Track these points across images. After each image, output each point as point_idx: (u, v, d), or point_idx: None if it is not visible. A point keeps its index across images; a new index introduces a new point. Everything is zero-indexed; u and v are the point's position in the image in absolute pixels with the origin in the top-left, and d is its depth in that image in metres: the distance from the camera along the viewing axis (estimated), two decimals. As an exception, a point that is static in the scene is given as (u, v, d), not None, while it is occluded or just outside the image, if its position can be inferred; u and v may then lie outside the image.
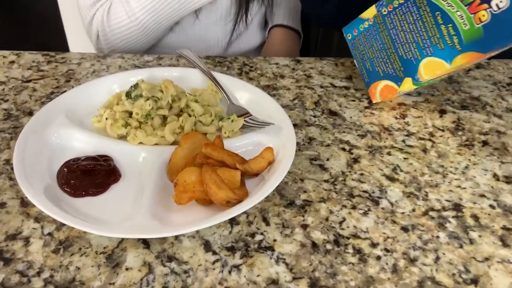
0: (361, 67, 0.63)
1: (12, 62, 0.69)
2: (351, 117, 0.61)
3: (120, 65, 0.71)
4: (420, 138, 0.57)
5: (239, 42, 0.94)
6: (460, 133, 0.58)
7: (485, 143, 0.56)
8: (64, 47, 1.53)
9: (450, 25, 0.51)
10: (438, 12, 0.52)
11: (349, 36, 0.63)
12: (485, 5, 0.48)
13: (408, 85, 0.58)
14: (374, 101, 0.63)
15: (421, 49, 0.55)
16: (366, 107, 0.63)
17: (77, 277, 0.39)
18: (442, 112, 0.62)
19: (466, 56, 0.51)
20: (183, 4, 0.78)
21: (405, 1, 0.55)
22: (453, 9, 0.51)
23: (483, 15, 0.49)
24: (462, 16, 0.50)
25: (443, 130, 0.59)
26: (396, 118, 0.61)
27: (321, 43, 1.81)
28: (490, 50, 0.51)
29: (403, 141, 0.57)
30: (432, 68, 0.55)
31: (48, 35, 1.57)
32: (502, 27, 0.48)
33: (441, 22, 0.52)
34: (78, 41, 1.53)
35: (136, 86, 0.56)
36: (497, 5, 0.47)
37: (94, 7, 0.79)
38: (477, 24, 0.49)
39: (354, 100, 0.65)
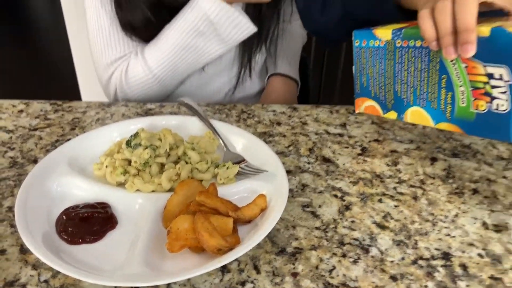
0: (357, 77, 0.63)
1: (21, 111, 0.73)
2: (344, 164, 0.63)
3: (123, 113, 0.74)
4: (411, 186, 0.59)
5: (241, 89, 0.97)
6: (450, 181, 0.60)
7: (475, 191, 0.57)
8: (77, 94, 1.62)
9: (450, 93, 0.52)
10: (444, 76, 0.52)
11: (357, 42, 0.62)
12: (488, 98, 0.48)
13: (392, 116, 0.60)
14: (356, 111, 0.64)
15: (416, 97, 0.56)
16: (359, 154, 0.65)
17: (69, 325, 0.40)
18: (434, 160, 0.64)
19: (451, 127, 0.52)
20: (197, 59, 0.82)
21: (421, 46, 0.54)
22: (459, 81, 0.50)
23: (482, 105, 0.49)
24: (463, 93, 0.50)
25: (434, 178, 0.60)
26: (388, 165, 0.63)
27: (324, 91, 1.87)
28: (473, 134, 0.51)
29: (395, 188, 0.58)
30: (418, 118, 0.56)
31: (62, 83, 1.67)
32: (492, 125, 0.48)
33: (444, 86, 0.52)
34: (89, 88, 1.63)
35: (136, 135, 0.58)
36: (497, 105, 0.47)
37: (112, 66, 0.83)
38: (473, 109, 0.50)
39: (347, 147, 0.67)
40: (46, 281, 0.44)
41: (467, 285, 0.45)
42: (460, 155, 0.65)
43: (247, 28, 0.78)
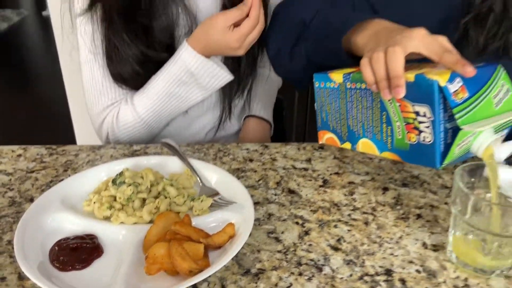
0: (318, 113, 0.72)
1: (19, 155, 0.81)
2: (306, 195, 0.71)
3: (111, 154, 0.82)
4: (364, 212, 0.67)
5: (221, 129, 1.07)
6: (398, 207, 0.68)
7: (419, 216, 0.65)
8: (71, 137, 1.72)
9: (389, 127, 0.61)
10: (384, 113, 0.61)
11: (316, 84, 0.71)
12: (417, 132, 0.57)
13: (347, 146, 0.68)
14: (320, 142, 0.73)
15: (364, 130, 0.65)
16: (320, 186, 0.73)
17: None
18: (385, 189, 0.72)
19: (392, 155, 0.61)
20: (180, 105, 0.92)
21: (365, 88, 0.63)
22: (395, 117, 0.59)
23: (413, 137, 0.58)
24: (399, 127, 0.59)
25: (384, 205, 0.68)
26: (345, 195, 0.71)
27: (309, 128, 1.98)
28: (409, 162, 0.61)
29: (349, 215, 0.66)
30: (367, 148, 0.65)
31: (58, 127, 1.78)
32: (421, 153, 0.57)
33: (384, 121, 0.61)
34: (83, 131, 1.74)
35: (121, 174, 0.66)
36: (424, 137, 0.56)
37: (104, 112, 0.93)
38: (407, 141, 0.59)
39: (311, 180, 0.75)
40: (40, 303, 0.51)
41: (403, 296, 0.52)
42: (409, 185, 0.73)
43: (224, 77, 0.88)
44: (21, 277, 0.55)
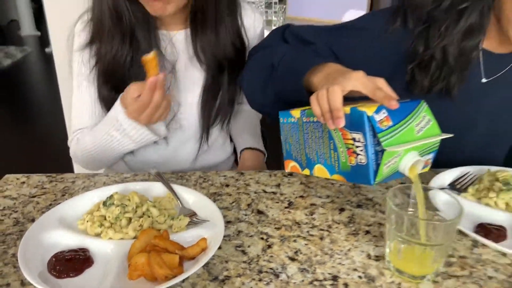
0: (283, 144, 0.83)
1: (23, 182, 0.92)
2: (273, 215, 0.81)
3: (104, 181, 0.93)
4: (321, 229, 0.77)
5: (204, 158, 1.18)
6: (351, 225, 0.78)
7: (367, 232, 0.76)
8: (70, 166, 1.83)
9: (335, 153, 0.72)
10: (331, 141, 0.72)
11: (281, 119, 0.82)
12: (355, 155, 0.68)
13: (307, 172, 0.79)
14: (286, 171, 0.83)
15: (318, 157, 0.76)
16: (286, 207, 0.84)
17: (54, 332, 0.56)
18: (342, 210, 0.82)
19: (339, 177, 0.73)
20: (118, 146, 1.00)
21: (317, 121, 0.74)
22: (339, 144, 0.70)
23: (352, 160, 0.69)
24: (343, 152, 0.70)
25: (339, 223, 0.78)
26: (306, 215, 0.81)
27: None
28: (351, 182, 0.71)
29: (308, 231, 0.76)
30: (321, 172, 0.76)
31: (58, 159, 1.90)
32: (359, 173, 0.68)
33: (332, 148, 0.73)
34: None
35: (111, 197, 0.77)
36: (360, 159, 0.67)
37: (74, 134, 1.08)
38: (349, 163, 0.70)
39: (278, 202, 0.85)
40: (39, 305, 0.61)
41: (344, 296, 0.62)
42: (363, 206, 0.83)
43: (146, 135, 0.97)
44: (23, 283, 0.65)
